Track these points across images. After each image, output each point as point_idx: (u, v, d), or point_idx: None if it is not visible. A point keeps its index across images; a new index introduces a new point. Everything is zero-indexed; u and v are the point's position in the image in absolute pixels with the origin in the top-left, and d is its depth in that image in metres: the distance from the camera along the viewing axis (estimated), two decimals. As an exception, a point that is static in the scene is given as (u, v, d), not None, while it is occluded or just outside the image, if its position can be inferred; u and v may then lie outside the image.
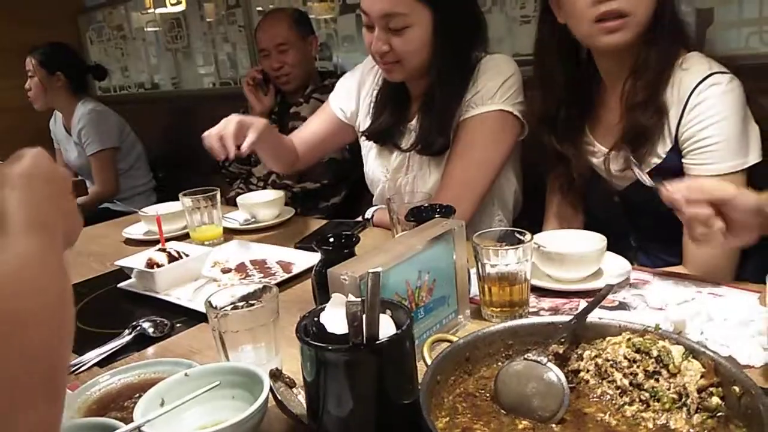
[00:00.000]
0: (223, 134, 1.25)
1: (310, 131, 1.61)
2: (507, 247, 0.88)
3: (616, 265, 1.01)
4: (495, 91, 1.32)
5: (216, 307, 0.78)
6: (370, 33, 1.31)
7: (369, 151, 1.54)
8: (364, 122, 1.54)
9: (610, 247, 1.04)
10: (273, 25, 2.20)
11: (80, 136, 2.74)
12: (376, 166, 1.51)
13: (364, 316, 0.56)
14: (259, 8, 2.98)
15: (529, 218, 1.51)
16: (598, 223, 1.28)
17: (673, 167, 1.13)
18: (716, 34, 1.69)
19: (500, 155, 1.36)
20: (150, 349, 0.93)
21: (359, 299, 0.57)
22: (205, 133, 1.29)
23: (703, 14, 1.71)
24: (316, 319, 0.64)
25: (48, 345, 0.38)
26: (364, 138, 1.52)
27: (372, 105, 1.49)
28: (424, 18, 1.28)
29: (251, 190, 2.20)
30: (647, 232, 1.26)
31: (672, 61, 1.13)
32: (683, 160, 1.12)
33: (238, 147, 1.25)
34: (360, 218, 1.47)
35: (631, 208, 1.25)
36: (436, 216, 0.93)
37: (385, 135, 1.45)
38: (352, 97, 1.56)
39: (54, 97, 2.78)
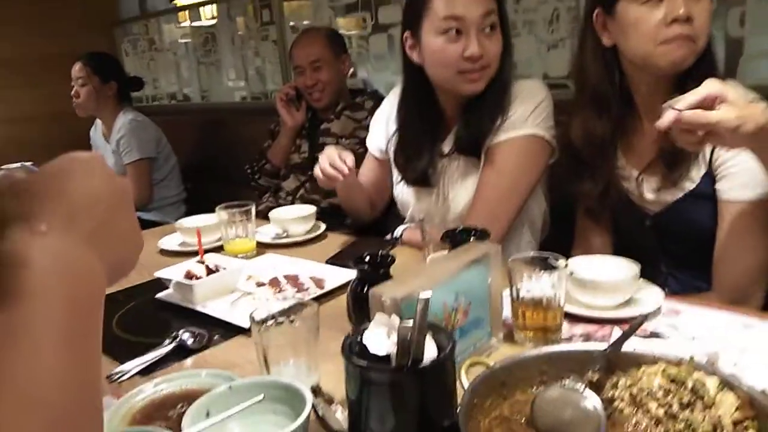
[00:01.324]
0: (330, 160, 1.35)
1: (367, 177, 1.64)
2: (542, 272, 0.90)
3: (649, 293, 1.02)
4: (527, 116, 1.35)
5: (260, 321, 0.80)
6: (456, 42, 1.31)
7: (400, 177, 1.56)
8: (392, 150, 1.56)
9: (641, 273, 1.05)
10: (308, 43, 2.26)
11: (119, 144, 2.81)
12: (407, 190, 1.53)
13: (412, 339, 0.58)
14: (292, 23, 3.04)
15: (556, 239, 1.52)
16: (628, 248, 1.30)
17: (707, 192, 1.15)
18: (746, 65, 1.70)
19: (531, 179, 1.38)
20: (189, 360, 0.96)
21: (410, 323, 0.58)
22: (319, 172, 1.40)
23: (733, 45, 1.72)
24: (359, 338, 0.66)
25: None
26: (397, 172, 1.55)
27: (404, 143, 1.50)
28: (498, 23, 1.34)
29: (280, 204, 2.24)
30: (678, 257, 1.26)
31: None
32: (716, 186, 1.14)
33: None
34: (389, 236, 1.49)
35: (663, 233, 1.26)
36: (472, 239, 0.94)
37: (423, 177, 1.46)
38: (382, 133, 1.60)
39: (102, 105, 2.84)
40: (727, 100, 0.85)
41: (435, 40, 1.32)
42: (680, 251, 1.25)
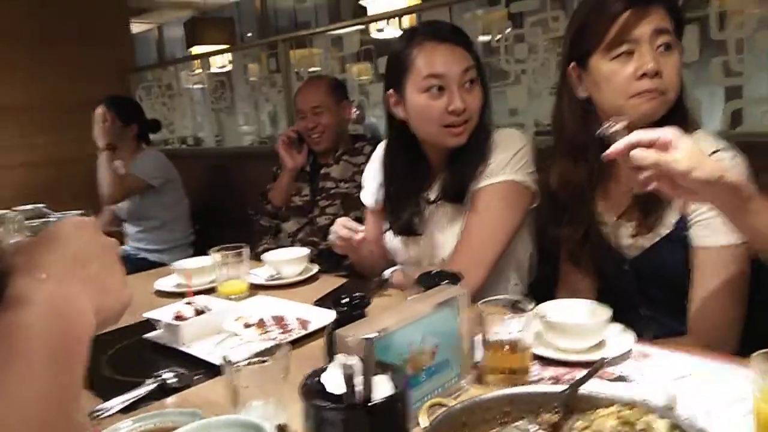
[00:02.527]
0: (345, 224, 1.44)
1: (374, 239, 1.67)
2: (510, 315, 0.93)
3: (621, 338, 1.03)
4: (506, 162, 1.39)
5: (230, 362, 0.84)
6: (439, 99, 1.37)
7: (399, 244, 1.59)
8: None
9: (621, 316, 1.07)
10: (311, 90, 2.37)
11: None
12: (396, 237, 1.57)
13: (360, 377, 0.61)
14: (297, 71, 3.16)
15: (544, 282, 1.55)
16: (610, 291, 1.32)
17: (681, 237, 1.17)
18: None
19: (512, 223, 1.42)
20: (170, 399, 0.99)
21: (354, 361, 0.62)
22: (335, 239, 1.47)
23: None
24: (318, 379, 0.69)
25: None
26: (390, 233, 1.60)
27: (390, 195, 1.55)
28: (475, 73, 1.40)
29: (280, 246, 2.29)
30: (657, 301, 1.28)
31: None
32: (689, 232, 1.16)
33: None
34: (377, 278, 1.53)
35: (641, 277, 1.28)
36: (444, 282, 0.98)
37: (409, 227, 1.51)
38: (375, 186, 1.65)
39: (122, 146, 2.93)
40: (678, 147, 0.88)
41: (418, 98, 1.38)
42: (658, 295, 1.27)
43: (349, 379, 0.60)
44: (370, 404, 0.62)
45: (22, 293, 0.48)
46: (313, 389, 0.68)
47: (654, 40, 1.14)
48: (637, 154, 0.89)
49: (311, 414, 0.65)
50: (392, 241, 1.59)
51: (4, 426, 0.41)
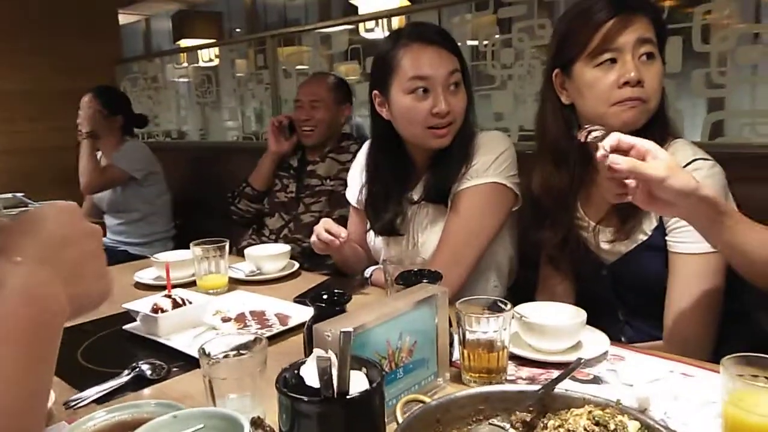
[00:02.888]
0: (328, 228, 1.44)
1: (359, 237, 1.69)
2: (487, 315, 0.94)
3: (596, 341, 1.05)
4: (489, 164, 1.41)
5: (208, 354, 0.83)
6: (424, 101, 1.37)
7: (381, 243, 1.60)
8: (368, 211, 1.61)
9: (599, 320, 1.08)
10: (314, 83, 2.40)
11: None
12: (378, 238, 1.58)
13: (334, 370, 0.61)
14: (284, 68, 3.15)
15: (524, 284, 1.56)
16: (588, 296, 1.34)
17: (659, 244, 1.19)
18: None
19: (493, 224, 1.43)
20: (146, 390, 0.98)
21: (328, 354, 0.62)
22: (316, 240, 1.48)
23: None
24: (296, 371, 0.69)
25: None
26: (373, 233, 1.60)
27: (372, 195, 1.56)
28: (460, 76, 1.41)
29: (263, 242, 2.28)
30: (634, 306, 1.30)
31: (660, 145, 1.21)
32: (666, 238, 1.18)
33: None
34: (359, 276, 1.53)
35: (618, 282, 1.29)
36: (424, 281, 0.98)
37: (391, 228, 1.52)
38: (359, 185, 1.65)
39: (105, 136, 2.89)
40: (656, 157, 0.90)
41: (403, 99, 1.39)
42: (635, 301, 1.29)
43: (323, 373, 0.61)
44: (345, 398, 0.62)
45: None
46: (289, 382, 0.68)
47: (637, 49, 1.16)
48: (615, 158, 0.90)
49: (286, 407, 0.65)
50: (374, 240, 1.60)
51: None
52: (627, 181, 0.93)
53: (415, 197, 1.49)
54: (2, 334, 0.45)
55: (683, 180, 0.89)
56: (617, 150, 0.92)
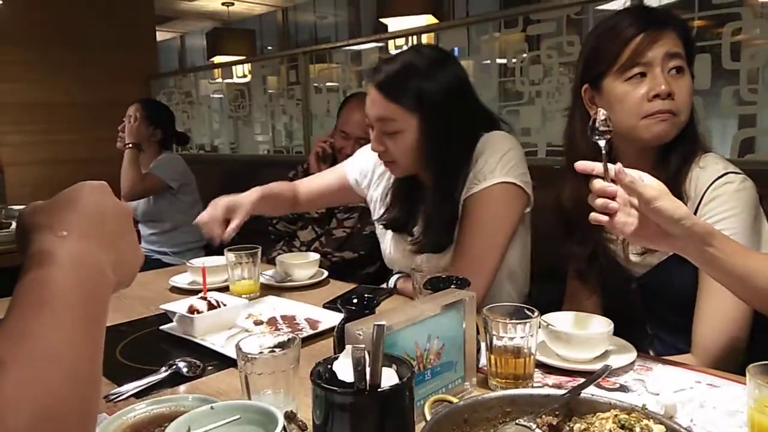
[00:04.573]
0: (209, 219, 1.43)
1: (321, 184, 1.75)
2: (515, 322, 0.95)
3: (623, 351, 1.06)
4: (495, 165, 1.39)
5: (244, 351, 0.87)
6: (372, 132, 1.43)
7: (385, 233, 1.63)
8: (378, 205, 1.64)
9: (627, 334, 1.09)
10: (361, 113, 2.36)
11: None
12: (394, 247, 1.60)
13: (368, 364, 0.64)
14: (316, 85, 3.23)
15: (539, 293, 1.57)
16: (616, 309, 1.34)
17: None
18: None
19: (508, 226, 1.42)
20: (182, 387, 1.02)
21: (363, 346, 0.65)
22: (198, 218, 1.48)
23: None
24: (329, 366, 0.72)
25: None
26: (381, 226, 1.63)
27: (389, 194, 1.59)
28: (412, 124, 1.37)
29: (292, 253, 2.32)
30: (663, 319, 1.30)
31: (691, 159, 1.22)
32: None
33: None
34: (384, 285, 1.56)
35: (648, 295, 1.30)
36: (452, 286, 1.01)
37: (400, 225, 1.54)
38: (367, 176, 1.68)
39: (145, 147, 3.02)
40: (649, 181, 0.96)
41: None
42: (665, 313, 1.29)
43: (358, 363, 0.63)
44: (378, 390, 0.65)
45: (45, 250, 0.51)
46: (323, 376, 0.71)
47: (666, 63, 1.18)
48: (620, 168, 0.96)
49: (321, 399, 0.68)
50: (392, 251, 1.62)
51: (40, 373, 0.44)
52: (610, 203, 0.97)
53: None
54: (60, 303, 0.48)
55: (674, 204, 0.93)
56: (612, 180, 0.98)
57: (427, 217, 1.47)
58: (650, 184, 0.95)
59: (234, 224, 1.45)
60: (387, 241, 1.63)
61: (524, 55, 2.28)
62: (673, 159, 1.23)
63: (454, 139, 1.41)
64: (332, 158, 2.43)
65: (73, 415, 0.44)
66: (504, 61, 2.38)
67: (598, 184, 0.98)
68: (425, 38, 2.86)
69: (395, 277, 1.54)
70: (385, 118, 1.39)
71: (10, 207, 3.21)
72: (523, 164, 1.44)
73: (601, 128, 1.03)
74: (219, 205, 1.46)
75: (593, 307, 1.41)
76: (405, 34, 2.91)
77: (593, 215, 1.00)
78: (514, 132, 1.55)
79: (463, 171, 1.42)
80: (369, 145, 1.65)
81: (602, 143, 1.03)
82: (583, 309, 1.39)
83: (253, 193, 1.56)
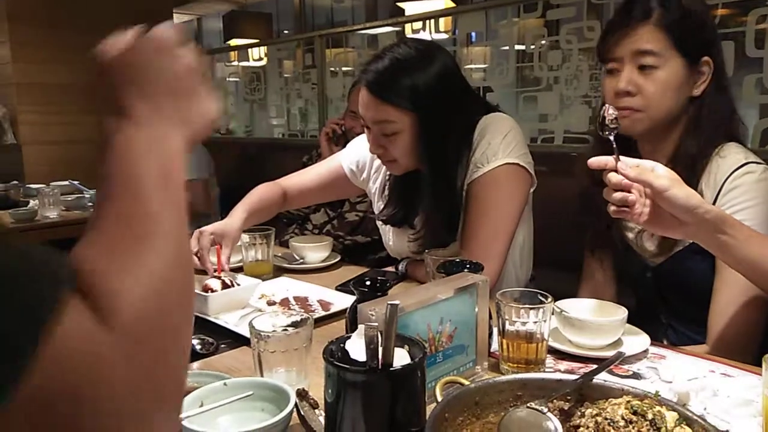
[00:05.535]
0: (200, 254, 1.40)
1: (312, 180, 1.71)
2: (528, 307, 0.95)
3: (636, 339, 1.05)
4: (497, 147, 1.38)
5: (258, 329, 0.88)
6: (368, 132, 1.42)
7: (388, 227, 1.62)
8: (376, 199, 1.63)
9: (641, 323, 1.09)
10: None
11: None
12: (397, 239, 1.59)
13: (380, 342, 0.64)
14: (332, 69, 3.21)
15: (541, 278, 1.56)
16: (631, 298, 1.33)
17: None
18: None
19: (516, 207, 1.40)
20: (195, 364, 1.03)
21: (376, 325, 0.65)
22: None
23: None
24: (342, 345, 0.72)
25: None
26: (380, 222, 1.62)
27: (386, 188, 1.58)
28: (409, 123, 1.35)
29: (305, 236, 2.33)
30: (677, 309, 1.29)
31: (710, 149, 1.20)
32: None
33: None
34: (396, 271, 1.56)
35: (663, 284, 1.29)
36: (465, 270, 1.00)
37: (398, 220, 1.53)
38: (365, 168, 1.66)
39: None
40: (659, 170, 0.95)
41: None
42: (679, 303, 1.28)
43: (370, 341, 0.63)
44: (390, 369, 0.65)
45: (123, 133, 0.50)
46: (335, 354, 0.71)
47: (636, 60, 1.18)
48: (624, 164, 0.95)
49: (333, 376, 0.68)
50: (395, 244, 1.61)
51: (154, 246, 0.45)
52: (629, 196, 0.95)
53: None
54: (143, 181, 0.48)
55: (686, 192, 0.93)
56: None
57: (426, 212, 1.46)
58: (662, 174, 0.94)
59: (226, 254, 1.44)
60: (388, 233, 1.62)
61: (543, 41, 2.26)
62: (690, 147, 1.21)
63: (453, 130, 1.40)
64: (344, 139, 2.43)
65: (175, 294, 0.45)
66: (522, 47, 2.36)
67: (614, 177, 0.96)
68: (442, 22, 2.84)
69: (405, 261, 1.54)
70: (381, 121, 1.36)
71: (28, 186, 3.25)
72: (524, 144, 1.43)
73: (611, 125, 1.02)
74: (205, 234, 1.43)
75: (608, 293, 1.40)
76: (422, 17, 2.88)
77: (613, 209, 0.99)
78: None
79: (463, 159, 1.41)
80: (363, 135, 1.62)
81: (611, 138, 1.02)
82: (597, 294, 1.38)
83: (237, 219, 1.52)
